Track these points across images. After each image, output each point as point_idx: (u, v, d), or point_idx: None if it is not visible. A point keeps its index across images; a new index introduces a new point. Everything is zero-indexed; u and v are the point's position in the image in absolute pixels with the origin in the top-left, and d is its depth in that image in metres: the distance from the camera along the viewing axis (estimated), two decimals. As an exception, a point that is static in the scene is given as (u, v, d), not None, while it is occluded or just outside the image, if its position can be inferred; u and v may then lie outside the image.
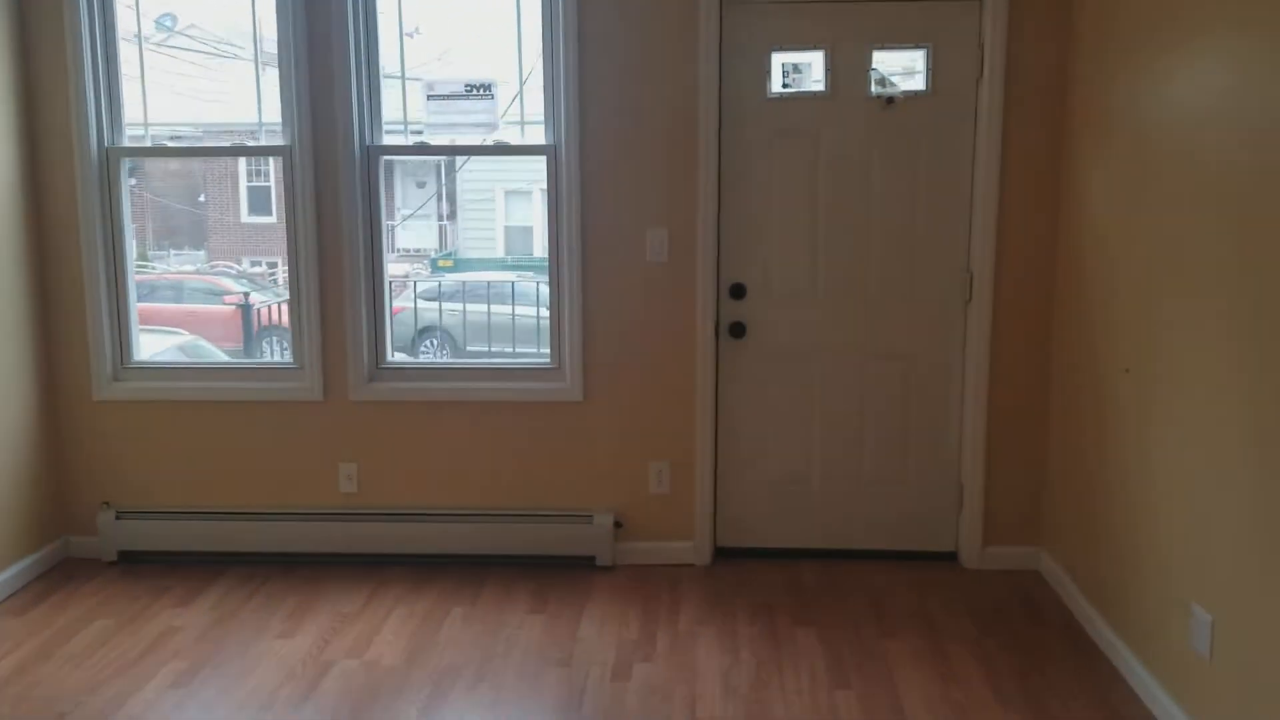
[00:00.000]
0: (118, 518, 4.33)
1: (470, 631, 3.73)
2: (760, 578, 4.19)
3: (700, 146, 4.08)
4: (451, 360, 5.02)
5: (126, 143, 4.26)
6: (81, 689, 3.31)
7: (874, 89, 4.10)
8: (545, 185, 4.16)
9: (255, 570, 4.27)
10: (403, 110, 4.21)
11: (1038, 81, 4.00)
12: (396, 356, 4.42)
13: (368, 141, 4.17)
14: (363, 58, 4.12)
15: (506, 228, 11.40)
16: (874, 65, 4.08)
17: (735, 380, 4.28)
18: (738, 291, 4.22)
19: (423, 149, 4.25)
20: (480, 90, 4.18)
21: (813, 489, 4.36)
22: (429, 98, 4.17)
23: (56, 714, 3.16)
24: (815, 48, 4.09)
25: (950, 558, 4.38)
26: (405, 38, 4.16)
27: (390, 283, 4.37)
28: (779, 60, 4.12)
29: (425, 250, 11.08)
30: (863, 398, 4.29)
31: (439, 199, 11.35)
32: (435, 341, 8.38)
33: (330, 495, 4.37)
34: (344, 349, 4.26)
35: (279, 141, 4.20)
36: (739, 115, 4.11)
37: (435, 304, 8.08)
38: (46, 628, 3.75)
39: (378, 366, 4.33)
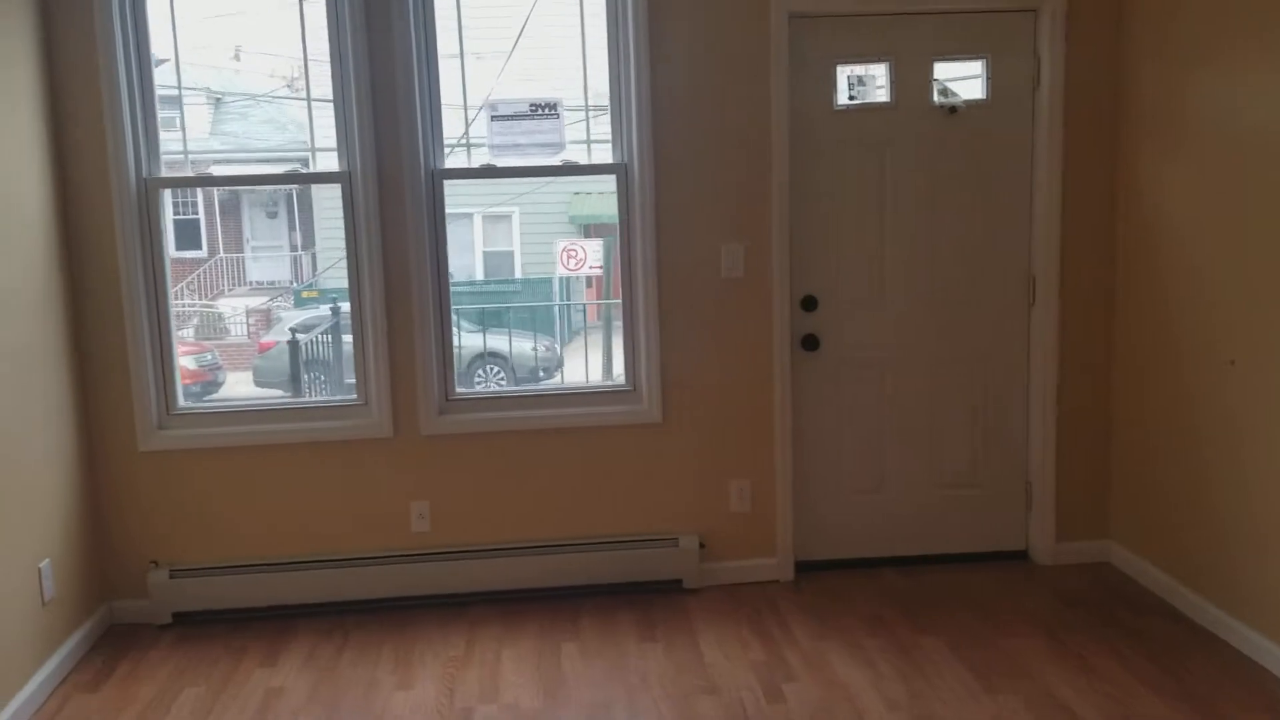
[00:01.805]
0: (171, 577, 4.01)
1: (594, 667, 3.60)
2: (849, 589, 4.19)
3: (774, 159, 4.07)
4: (523, 388, 4.85)
5: (164, 172, 3.97)
6: (213, 764, 3.05)
7: (936, 99, 4.17)
8: (615, 207, 4.07)
9: (331, 621, 4.02)
10: (465, 132, 4.06)
11: (1093, 87, 4.14)
12: (460, 388, 4.24)
13: (432, 165, 4.01)
14: (425, 79, 3.95)
15: (485, 253, 10.98)
16: (935, 76, 4.16)
17: (808, 392, 4.28)
18: (809, 304, 4.23)
19: (489, 171, 4.10)
20: (545, 109, 4.07)
21: (887, 496, 4.39)
22: (493, 118, 4.04)
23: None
24: (879, 60, 4.15)
25: (1020, 556, 4.47)
26: (466, 59, 4.02)
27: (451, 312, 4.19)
28: (844, 73, 4.15)
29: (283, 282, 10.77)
30: (932, 403, 4.35)
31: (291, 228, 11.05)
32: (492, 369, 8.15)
33: (402, 536, 4.16)
34: (414, 382, 4.07)
35: (334, 167, 3.99)
36: (807, 127, 4.12)
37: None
38: (132, 702, 3.44)
39: (447, 399, 4.15)
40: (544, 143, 4.07)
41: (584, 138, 4.18)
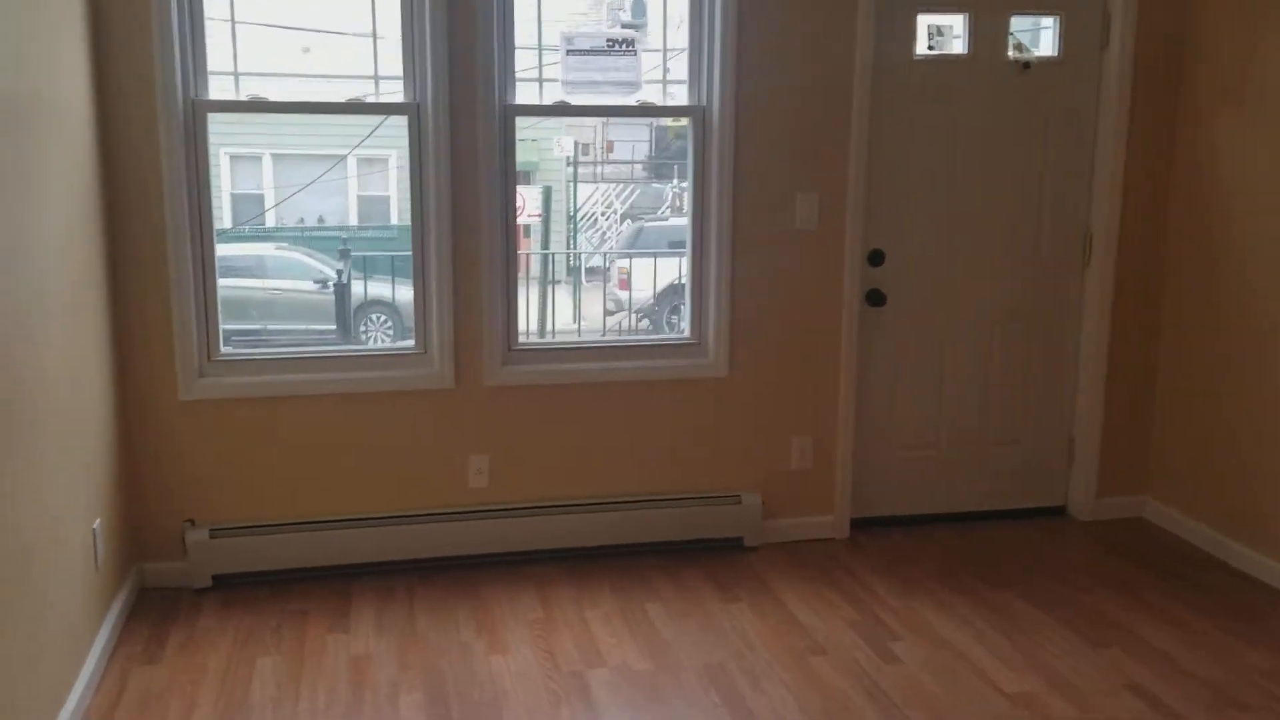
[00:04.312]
0: (211, 536, 3.70)
1: (687, 627, 3.49)
2: (907, 546, 4.19)
3: (855, 108, 3.97)
4: (587, 339, 4.64)
5: (212, 95, 3.61)
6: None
7: (1011, 53, 4.13)
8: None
9: (386, 581, 3.78)
10: (539, 66, 3.82)
11: (1162, 49, 4.17)
12: (521, 337, 4.02)
13: (505, 100, 3.75)
14: (500, 6, 3.68)
15: (360, 197, 10.44)
16: (1011, 30, 4.11)
17: (871, 348, 4.22)
18: (875, 258, 4.16)
19: (562, 109, 3.87)
20: (623, 46, 3.86)
21: (939, 454, 4.39)
22: (568, 52, 3.81)
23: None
24: (958, 10, 4.07)
25: (1058, 511, 4.55)
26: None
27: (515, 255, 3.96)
28: (924, 22, 4.07)
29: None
30: (986, 359, 4.35)
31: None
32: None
33: (459, 492, 3.94)
34: (478, 330, 3.84)
35: (398, 98, 3.70)
36: (885, 77, 4.03)
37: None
38: (202, 674, 3.16)
39: (509, 349, 3.93)
40: (620, 80, 3.86)
41: (660, 78, 3.98)
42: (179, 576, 3.73)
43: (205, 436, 3.71)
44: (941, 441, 4.38)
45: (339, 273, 6.92)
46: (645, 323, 8.41)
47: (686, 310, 4.10)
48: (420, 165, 3.72)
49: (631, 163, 11.84)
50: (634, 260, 9.00)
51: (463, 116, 3.69)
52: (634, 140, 11.79)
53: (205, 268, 3.64)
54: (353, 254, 7.42)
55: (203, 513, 3.75)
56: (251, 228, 9.22)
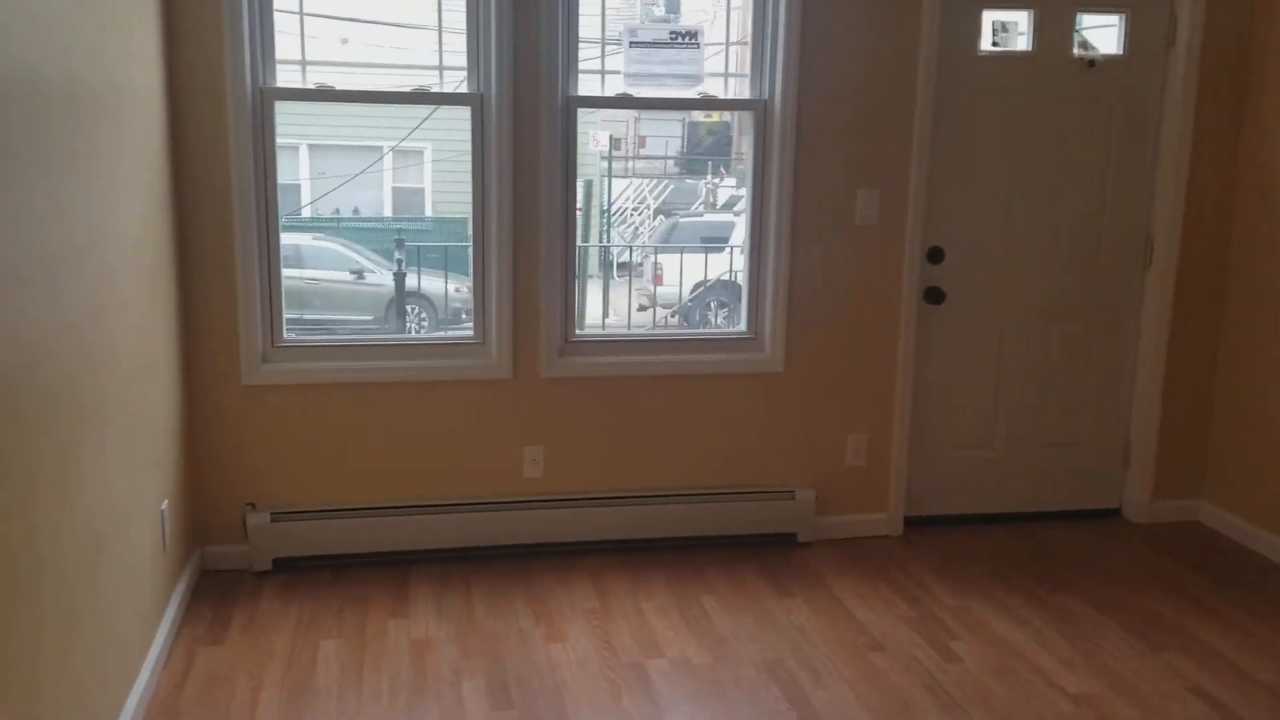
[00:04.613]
0: (273, 520, 3.74)
1: (744, 621, 3.49)
2: (961, 545, 4.17)
3: (918, 104, 3.95)
4: (644, 332, 4.65)
5: (279, 83, 3.64)
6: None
7: (1076, 50, 4.10)
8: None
9: (442, 569, 3.81)
10: (601, 59, 3.83)
11: (1227, 48, 4.12)
12: (577, 329, 4.04)
13: (568, 91, 3.76)
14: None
15: (395, 189, 10.41)
16: (1076, 27, 4.08)
17: (928, 346, 4.20)
18: (935, 255, 4.14)
19: (625, 101, 3.88)
20: (686, 38, 3.86)
21: (993, 454, 4.36)
22: (631, 44, 3.81)
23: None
24: (1023, 7, 4.04)
25: (1112, 514, 4.51)
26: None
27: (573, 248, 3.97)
28: (989, 18, 4.04)
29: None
30: (1043, 359, 4.32)
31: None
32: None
33: (514, 482, 3.96)
34: (536, 321, 3.86)
35: (462, 88, 3.71)
36: (949, 73, 4.00)
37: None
38: (268, 656, 3.20)
39: (566, 340, 3.95)
40: (682, 73, 3.86)
41: (722, 70, 3.98)
42: (239, 559, 3.78)
43: (266, 421, 3.75)
44: (997, 441, 4.35)
45: (399, 262, 6.96)
46: (676, 319, 8.40)
47: (743, 305, 4.10)
48: (482, 156, 3.74)
49: (665, 158, 11.83)
50: (667, 256, 8.97)
51: (525, 108, 3.70)
52: (667, 136, 11.78)
53: (270, 255, 3.68)
54: (407, 245, 7.46)
55: (262, 497, 3.79)
56: (290, 218, 9.29)
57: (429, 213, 10.09)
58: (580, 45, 3.80)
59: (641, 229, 11.21)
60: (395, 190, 10.47)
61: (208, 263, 3.59)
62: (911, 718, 2.93)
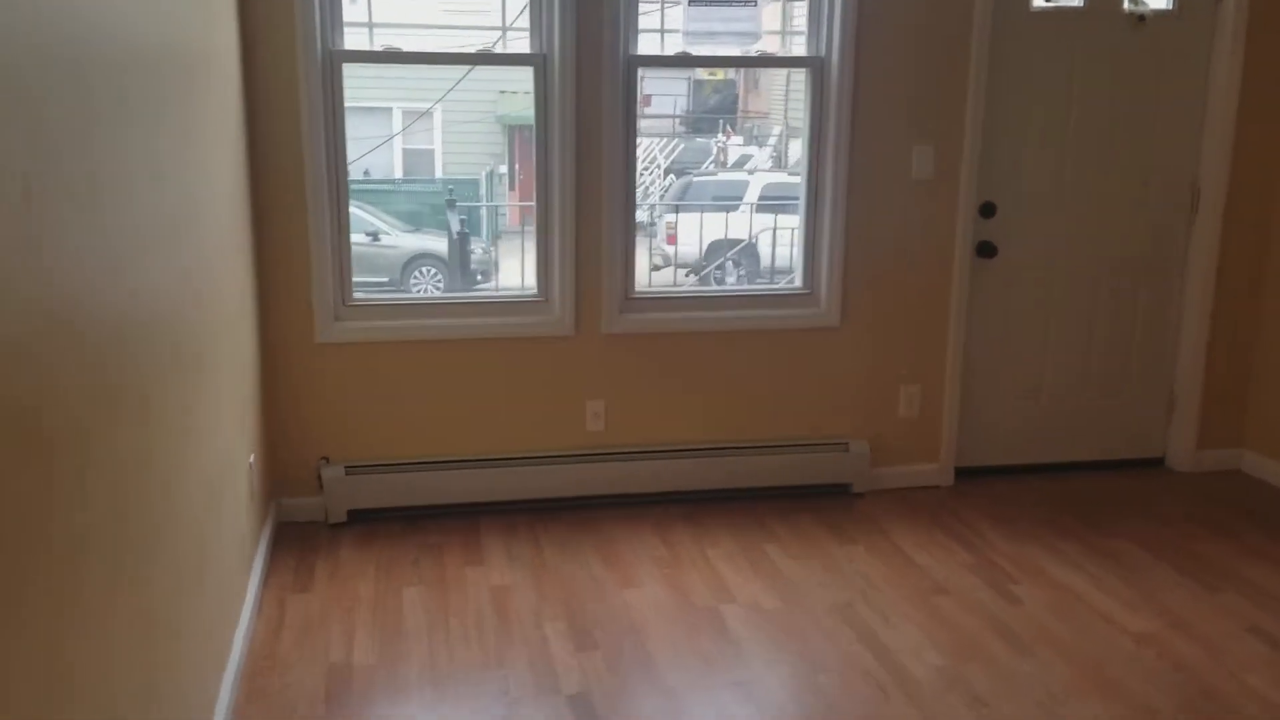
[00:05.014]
0: (347, 473, 3.85)
1: (810, 567, 3.60)
2: (1011, 494, 4.27)
3: (973, 59, 4.00)
4: (701, 289, 4.73)
5: (346, 45, 3.70)
6: (473, 666, 2.97)
7: (1127, 5, 4.14)
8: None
9: (509, 520, 3.93)
10: (660, 18, 3.87)
11: (1274, 4, 4.15)
12: (638, 287, 4.12)
13: (629, 51, 3.82)
14: (627, -44, 3.74)
15: (405, 150, 10.37)
16: (1128, -18, 4.11)
17: (980, 299, 4.28)
18: (987, 210, 4.20)
19: (684, 60, 3.93)
20: (744, -3, 3.91)
21: (1041, 405, 4.45)
22: (690, 1, 3.86)
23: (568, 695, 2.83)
24: (1076, -38, 4.08)
25: (1155, 463, 4.60)
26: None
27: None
28: (1042, -26, 4.08)
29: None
30: (1092, 313, 4.40)
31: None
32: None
33: (577, 435, 4.06)
34: (598, 279, 3.94)
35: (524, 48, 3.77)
36: (1002, 28, 4.05)
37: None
38: (356, 601, 3.32)
39: (626, 297, 4.03)
40: (741, 31, 3.91)
41: (779, 28, 4.03)
42: (314, 511, 3.89)
43: (338, 378, 3.85)
44: (1044, 393, 4.44)
45: (462, 221, 7.04)
46: (692, 278, 8.46)
47: (800, 261, 4.17)
48: (545, 115, 3.80)
49: (672, 117, 11.85)
50: (684, 215, 8.98)
51: (588, 67, 3.76)
52: (674, 95, 11.79)
53: (340, 216, 3.76)
54: (399, 209, 7.50)
55: (335, 451, 3.90)
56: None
57: (439, 173, 10.13)
58: (640, 2, 3.85)
59: (652, 188, 11.23)
60: (405, 151, 10.51)
61: (282, 223, 3.68)
62: (983, 656, 3.04)
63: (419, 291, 7.67)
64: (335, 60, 3.65)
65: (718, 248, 8.22)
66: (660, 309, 4.06)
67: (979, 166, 4.11)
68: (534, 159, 3.87)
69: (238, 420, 3.13)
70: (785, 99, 12.34)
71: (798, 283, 4.19)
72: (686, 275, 8.52)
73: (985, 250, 4.21)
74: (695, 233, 8.35)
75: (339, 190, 3.74)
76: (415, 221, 8.37)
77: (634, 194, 3.98)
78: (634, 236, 4.02)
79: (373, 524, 3.88)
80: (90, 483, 1.60)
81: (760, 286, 4.81)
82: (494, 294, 4.61)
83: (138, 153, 2.00)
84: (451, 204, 7.35)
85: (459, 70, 8.53)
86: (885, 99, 3.98)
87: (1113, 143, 4.24)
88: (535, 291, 3.99)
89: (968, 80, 4.01)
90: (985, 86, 4.04)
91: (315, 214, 3.68)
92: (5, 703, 1.23)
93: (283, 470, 3.88)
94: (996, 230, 4.22)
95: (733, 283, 7.99)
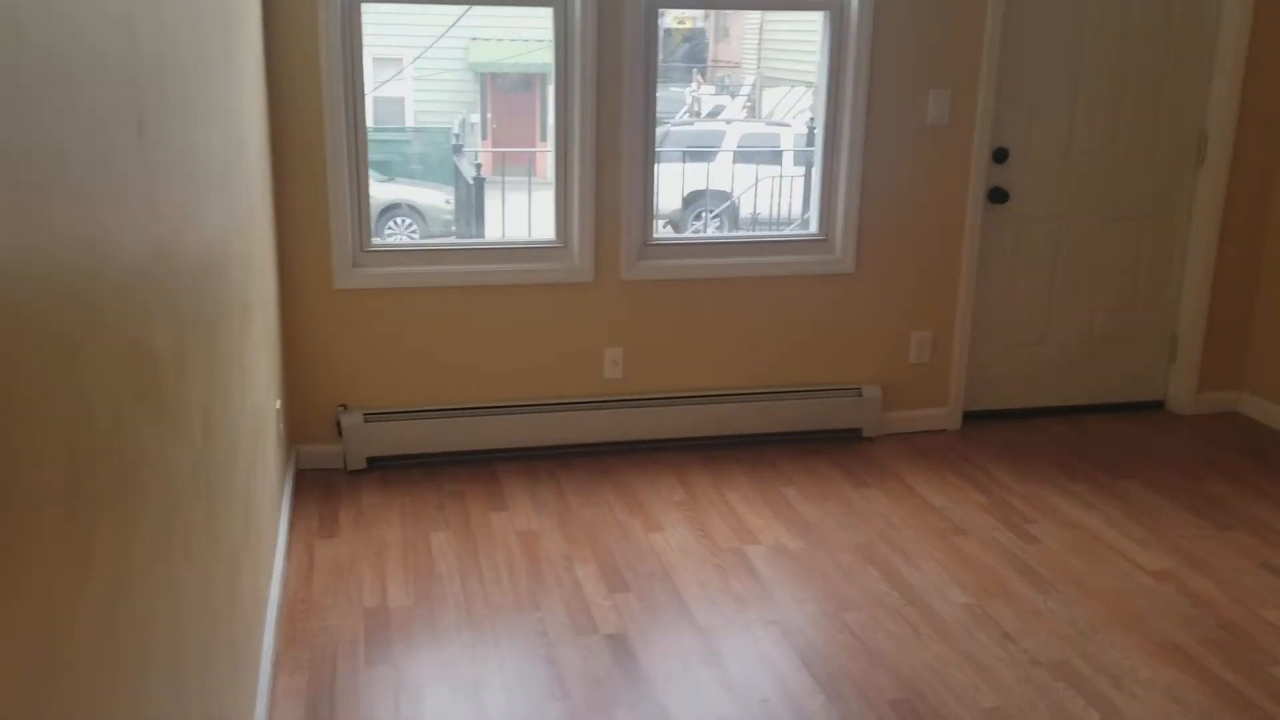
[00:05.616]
0: (366, 420, 3.86)
1: (826, 510, 3.66)
2: (1020, 437, 4.34)
3: (988, 3, 4.00)
4: (718, 235, 4.73)
5: (364, -12, 3.65)
6: (506, 608, 3.01)
7: (1141, -49, 4.14)
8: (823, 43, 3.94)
9: (528, 465, 3.95)
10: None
11: (1290, -51, 4.17)
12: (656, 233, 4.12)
13: (648, -7, 3.79)
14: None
15: (375, 99, 10.22)
16: (1143, -73, 4.11)
17: (990, 245, 4.32)
18: (999, 156, 4.23)
19: (705, 0, 3.89)
20: (762, -61, 3.87)
21: (1047, 350, 4.52)
22: (708, -55, 3.81)
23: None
24: (1091, -93, 4.07)
25: (1156, 406, 4.69)
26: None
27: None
28: (1058, -82, 4.07)
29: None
30: (1099, 258, 4.45)
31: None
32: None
33: (594, 383, 4.08)
34: (617, 224, 3.94)
35: (542, -9, 3.73)
36: (1018, -26, 4.05)
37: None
38: (385, 547, 3.34)
39: (645, 244, 4.04)
40: (758, -25, 3.87)
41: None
42: (332, 458, 3.90)
43: (357, 324, 3.84)
44: (1050, 338, 4.50)
45: (478, 167, 6.98)
46: (669, 229, 8.42)
47: (815, 207, 4.19)
48: (565, 59, 3.77)
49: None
50: (663, 165, 8.82)
51: (609, 9, 3.73)
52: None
53: (359, 160, 3.73)
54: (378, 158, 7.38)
55: (353, 398, 3.90)
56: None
57: (410, 122, 10.00)
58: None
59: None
60: (376, 99, 10.37)
61: (301, 168, 3.64)
62: (1007, 593, 3.12)
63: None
64: (354, 3, 3.60)
65: (696, 198, 8.16)
66: (678, 255, 4.07)
67: (994, 112, 4.13)
68: (552, 103, 3.85)
69: (268, 364, 3.12)
70: (758, 48, 12.21)
71: (813, 229, 4.21)
72: (664, 227, 8.48)
73: (997, 196, 4.24)
74: (674, 184, 8.27)
75: (358, 134, 3.71)
76: (387, 171, 8.28)
77: (654, 138, 3.96)
78: (654, 182, 4.01)
79: (392, 470, 3.90)
80: (185, 417, 1.61)
81: (777, 233, 4.81)
82: (513, 240, 4.58)
83: (207, 90, 1.98)
84: (459, 148, 7.28)
85: (439, 16, 8.39)
86: (902, 43, 3.98)
87: (1122, 89, 4.27)
88: (553, 238, 3.98)
89: (984, 24, 4.01)
90: (1001, 30, 4.05)
91: (334, 158, 3.65)
92: (131, 616, 1.24)
93: (301, 417, 3.88)
94: (1008, 175, 4.25)
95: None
